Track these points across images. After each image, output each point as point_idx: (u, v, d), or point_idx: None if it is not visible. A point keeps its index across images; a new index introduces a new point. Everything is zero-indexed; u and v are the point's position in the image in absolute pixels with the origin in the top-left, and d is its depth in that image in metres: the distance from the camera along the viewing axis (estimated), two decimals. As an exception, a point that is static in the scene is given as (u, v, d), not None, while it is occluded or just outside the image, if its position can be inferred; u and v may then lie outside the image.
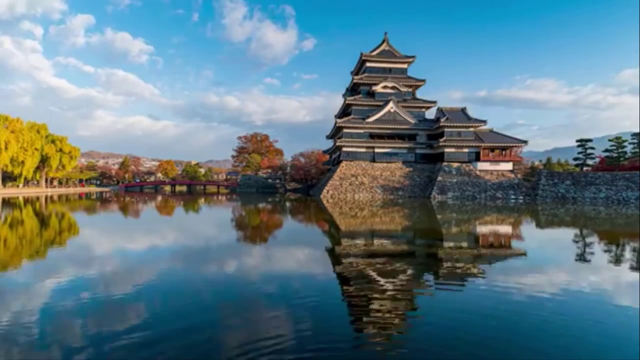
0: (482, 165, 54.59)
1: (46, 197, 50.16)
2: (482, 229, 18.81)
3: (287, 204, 41.24)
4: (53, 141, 74.08)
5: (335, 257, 10.75)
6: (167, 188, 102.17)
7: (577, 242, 15.01)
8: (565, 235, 17.92)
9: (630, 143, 57.99)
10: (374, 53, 62.60)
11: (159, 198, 54.19)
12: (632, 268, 9.52)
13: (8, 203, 36.76)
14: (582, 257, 11.31)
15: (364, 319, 5.70)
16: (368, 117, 57.94)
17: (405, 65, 63.22)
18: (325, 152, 74.66)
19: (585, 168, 61.65)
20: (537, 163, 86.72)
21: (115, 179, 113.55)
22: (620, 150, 58.43)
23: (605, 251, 12.80)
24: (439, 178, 52.99)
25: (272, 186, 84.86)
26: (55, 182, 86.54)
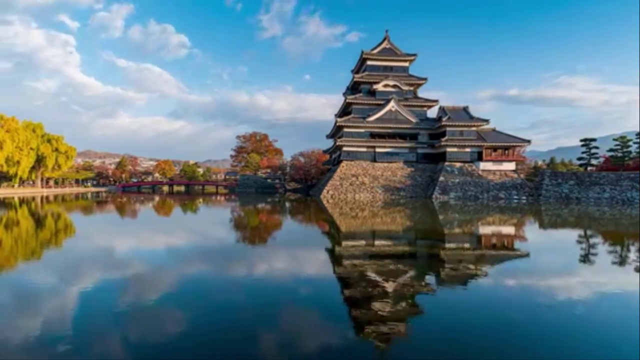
0: (484, 165, 54.58)
1: (42, 198, 50.16)
2: (484, 230, 18.80)
3: (287, 204, 41.24)
4: (49, 140, 74.07)
5: (336, 258, 10.74)
6: (165, 188, 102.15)
7: (581, 243, 15.01)
8: (569, 236, 17.91)
9: (635, 142, 57.91)
10: (375, 51, 62.59)
11: (157, 198, 54.18)
12: (637, 270, 9.51)
13: (3, 203, 36.74)
14: (586, 259, 11.30)
15: (365, 320, 5.69)
16: (369, 116, 57.92)
17: (406, 64, 63.21)
18: (325, 151, 74.64)
19: (589, 168, 61.63)
20: (540, 163, 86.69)
21: (112, 179, 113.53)
22: (625, 149, 58.39)
23: (610, 252, 12.80)
24: (441, 178, 52.99)
25: (272, 186, 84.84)
26: (51, 182, 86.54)
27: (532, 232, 19.54)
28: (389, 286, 7.48)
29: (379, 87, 60.27)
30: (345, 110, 63.36)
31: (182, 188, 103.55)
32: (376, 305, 6.31)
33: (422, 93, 63.53)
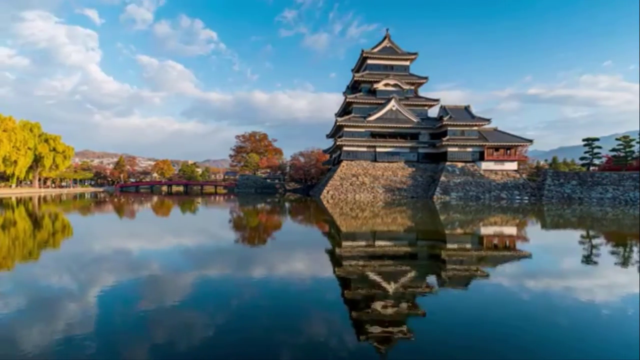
0: (486, 165, 54.59)
1: (39, 198, 50.16)
2: (486, 231, 18.81)
3: (287, 204, 41.24)
4: (46, 140, 74.08)
5: (337, 260, 10.75)
6: (164, 188, 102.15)
7: (583, 244, 15.01)
8: (572, 236, 17.92)
9: (638, 142, 57.95)
10: (375, 50, 62.63)
11: (155, 199, 54.18)
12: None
13: (0, 203, 36.75)
14: (589, 260, 11.31)
15: (366, 321, 5.69)
16: (369, 115, 57.94)
17: (407, 63, 63.24)
18: (325, 151, 74.64)
19: (591, 168, 61.68)
20: (542, 162, 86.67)
21: (110, 179, 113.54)
22: (627, 149, 58.41)
23: (613, 253, 12.80)
24: (442, 178, 53.00)
25: (271, 186, 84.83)
26: (49, 182, 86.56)
27: (534, 232, 19.55)
28: (390, 287, 7.48)
29: (380, 86, 60.29)
30: (345, 110, 63.37)
31: (181, 188, 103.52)
32: (377, 306, 6.32)
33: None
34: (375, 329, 5.36)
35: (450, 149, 54.75)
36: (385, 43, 62.74)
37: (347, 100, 60.31)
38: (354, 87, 64.38)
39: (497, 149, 54.91)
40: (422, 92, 64.13)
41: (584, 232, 18.95)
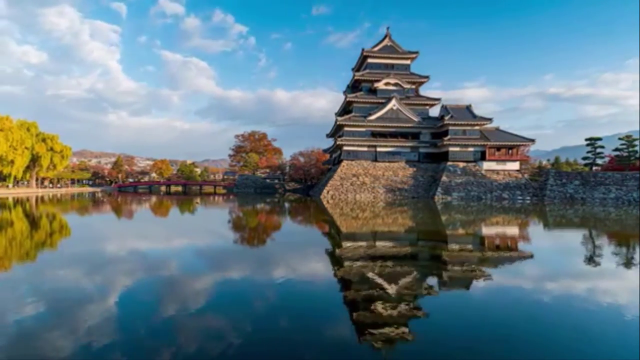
0: (487, 165, 54.59)
1: (37, 198, 50.16)
2: (488, 231, 18.80)
3: (286, 204, 41.24)
4: (44, 140, 74.02)
5: (337, 261, 10.74)
6: (163, 188, 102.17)
7: (586, 244, 15.01)
8: (574, 237, 17.91)
9: (640, 142, 57.95)
10: (376, 49, 62.62)
11: (154, 199, 54.19)
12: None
13: (-3, 204, 36.73)
14: (591, 260, 11.30)
15: (367, 322, 5.68)
16: (370, 114, 57.94)
17: (408, 61, 63.23)
18: (325, 151, 74.64)
19: (594, 167, 61.66)
20: (544, 162, 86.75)
21: (108, 179, 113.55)
22: (630, 149, 58.38)
23: (616, 254, 12.80)
24: (443, 178, 53.00)
25: (271, 186, 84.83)
26: (47, 182, 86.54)
27: (536, 233, 19.54)
28: (391, 288, 7.48)
29: (380, 85, 60.30)
30: (345, 109, 63.37)
31: (180, 188, 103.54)
32: (378, 307, 6.31)
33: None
34: (376, 330, 5.35)
35: (451, 149, 54.75)
36: (386, 42, 62.73)
37: (348, 99, 60.32)
38: (354, 86, 64.37)
39: (498, 148, 54.90)
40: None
41: (586, 233, 18.95)
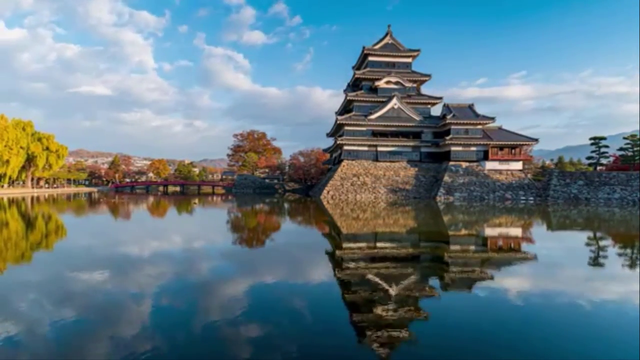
0: (490, 165, 54.60)
1: (32, 198, 50.15)
2: (490, 232, 18.80)
3: (286, 205, 41.23)
4: (39, 139, 74.06)
5: (337, 262, 10.74)
6: (160, 188, 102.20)
7: (590, 246, 15.00)
8: (578, 238, 17.90)
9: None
10: (377, 47, 62.58)
11: (151, 199, 54.19)
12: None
13: (-8, 204, 36.73)
14: (595, 262, 11.30)
15: (368, 325, 5.68)
16: (370, 113, 57.95)
17: (409, 60, 63.22)
18: (325, 150, 74.65)
19: (598, 167, 61.68)
20: (548, 162, 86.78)
21: (104, 179, 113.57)
22: (635, 148, 58.39)
23: (620, 255, 12.79)
24: (445, 178, 53.00)
25: (270, 186, 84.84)
26: (42, 183, 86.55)
27: (540, 234, 19.53)
28: (392, 290, 7.47)
29: (381, 83, 60.29)
30: (346, 108, 63.38)
31: (178, 188, 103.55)
32: (379, 309, 6.30)
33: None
34: (377, 333, 5.35)
35: (453, 148, 54.75)
36: (387, 39, 62.71)
37: (348, 98, 60.31)
38: (354, 85, 64.38)
39: (501, 148, 54.91)
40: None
41: (590, 234, 18.94)
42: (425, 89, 64.46)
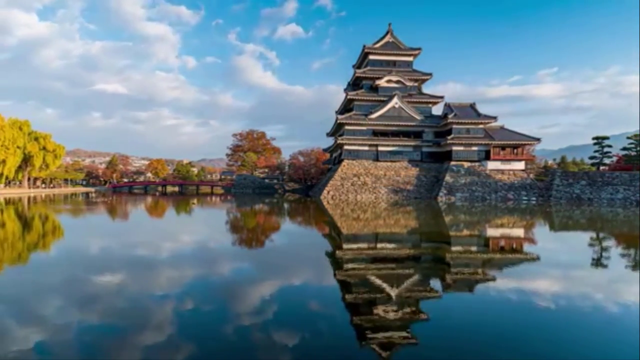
0: (492, 165, 54.60)
1: (29, 198, 50.16)
2: (492, 233, 18.80)
3: (286, 205, 41.24)
4: (36, 139, 74.03)
5: (337, 263, 10.74)
6: (159, 188, 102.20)
7: (593, 246, 15.01)
8: (581, 239, 17.91)
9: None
10: (377, 45, 62.56)
11: (149, 199, 54.18)
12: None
13: (-12, 205, 36.73)
14: (599, 263, 11.30)
15: (369, 327, 5.68)
16: (371, 113, 57.95)
17: (410, 58, 63.20)
18: (325, 150, 74.64)
19: (601, 167, 61.70)
20: (550, 162, 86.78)
21: (102, 179, 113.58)
22: (639, 148, 58.39)
23: (623, 256, 12.79)
24: (447, 178, 53.00)
25: (270, 186, 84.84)
26: (39, 183, 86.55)
27: (543, 235, 19.53)
28: (393, 291, 7.47)
29: (382, 82, 60.27)
30: (346, 107, 63.38)
31: (176, 188, 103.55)
32: (379, 310, 6.30)
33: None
34: (377, 334, 5.35)
35: (455, 148, 54.75)
36: (388, 38, 62.69)
37: (348, 97, 60.30)
38: (355, 84, 64.37)
39: (503, 147, 54.92)
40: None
41: (594, 235, 18.95)
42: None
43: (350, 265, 10.19)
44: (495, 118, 55.48)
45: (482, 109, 57.67)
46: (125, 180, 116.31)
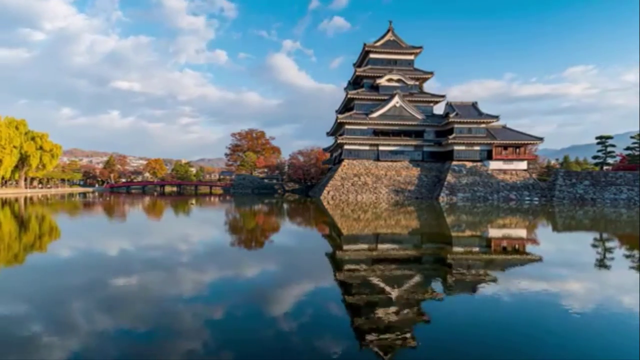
0: (494, 164, 54.56)
1: (25, 199, 50.16)
2: (494, 233, 18.80)
3: (285, 205, 41.24)
4: (33, 138, 73.98)
5: (338, 264, 10.74)
6: (157, 189, 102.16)
7: (596, 247, 15.01)
8: (584, 240, 17.91)
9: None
10: (378, 44, 62.55)
11: (147, 200, 54.18)
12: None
13: (-15, 205, 36.72)
14: (602, 264, 11.31)
15: (369, 328, 5.69)
16: (372, 112, 57.92)
17: (411, 57, 63.19)
18: (325, 150, 74.61)
19: (605, 167, 61.69)
20: (553, 162, 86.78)
21: (100, 179, 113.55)
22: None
23: (627, 257, 12.80)
24: (448, 178, 52.99)
25: (269, 187, 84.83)
26: (36, 182, 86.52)
27: (545, 235, 19.54)
28: (394, 293, 7.48)
29: (383, 81, 60.25)
30: (346, 106, 63.35)
31: (175, 189, 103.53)
32: (380, 312, 6.31)
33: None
34: (378, 336, 5.35)
35: (456, 148, 54.72)
36: (389, 36, 62.67)
37: (349, 96, 60.26)
38: (355, 83, 64.35)
39: (505, 147, 54.86)
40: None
41: (597, 235, 18.95)
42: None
43: (350, 267, 10.20)
44: (497, 117, 55.45)
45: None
46: (123, 180, 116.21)
